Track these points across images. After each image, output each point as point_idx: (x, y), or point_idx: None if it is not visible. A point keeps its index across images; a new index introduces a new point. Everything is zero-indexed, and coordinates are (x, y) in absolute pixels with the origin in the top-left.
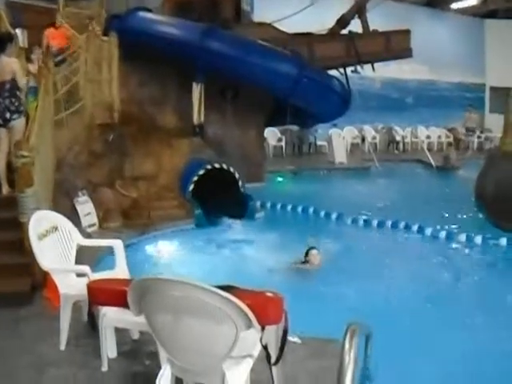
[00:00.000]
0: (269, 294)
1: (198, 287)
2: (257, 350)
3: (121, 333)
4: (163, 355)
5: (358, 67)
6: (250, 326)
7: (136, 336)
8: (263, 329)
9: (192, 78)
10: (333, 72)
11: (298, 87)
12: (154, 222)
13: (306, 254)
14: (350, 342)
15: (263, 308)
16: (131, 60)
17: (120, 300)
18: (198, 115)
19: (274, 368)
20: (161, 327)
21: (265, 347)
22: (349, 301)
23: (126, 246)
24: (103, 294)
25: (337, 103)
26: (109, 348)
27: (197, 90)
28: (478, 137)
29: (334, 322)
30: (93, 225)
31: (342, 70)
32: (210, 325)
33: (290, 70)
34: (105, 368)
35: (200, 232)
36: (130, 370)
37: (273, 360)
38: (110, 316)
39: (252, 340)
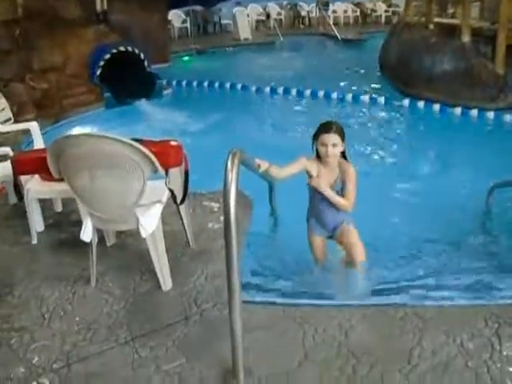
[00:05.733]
0: (170, 142)
1: (106, 138)
2: (165, 195)
3: (46, 208)
4: (83, 211)
5: None
6: (155, 170)
7: (59, 209)
8: (167, 173)
9: None
10: None
11: None
12: (67, 110)
13: None
14: (231, 162)
15: (165, 153)
16: None
17: (41, 166)
18: (100, 2)
19: (184, 217)
20: (79, 183)
21: (170, 189)
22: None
23: (42, 135)
24: (27, 163)
25: None
26: (36, 222)
27: None
28: (386, 11)
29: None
30: (8, 119)
31: None
32: (121, 174)
33: None
34: (34, 241)
35: (111, 113)
36: (57, 238)
37: (178, 200)
38: (34, 189)
39: (160, 187)
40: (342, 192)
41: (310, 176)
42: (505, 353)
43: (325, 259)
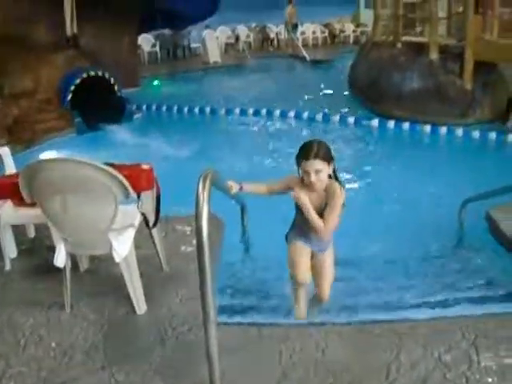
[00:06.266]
0: (141, 166)
1: (79, 163)
2: (137, 219)
3: (18, 234)
4: (56, 236)
5: None
6: (127, 194)
7: (32, 234)
8: (139, 197)
9: None
10: None
11: None
12: (38, 135)
13: None
14: (203, 184)
15: (137, 177)
16: None
17: (14, 191)
18: (70, 27)
19: (156, 240)
20: (51, 208)
21: (142, 213)
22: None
23: (13, 161)
24: None
25: (206, 4)
26: (9, 248)
27: (68, 2)
28: (354, 31)
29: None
30: None
31: None
32: (93, 199)
33: None
34: (8, 267)
35: (82, 139)
36: (31, 264)
37: (151, 223)
38: (7, 214)
39: (131, 212)
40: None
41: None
42: (483, 364)
43: (306, 278)
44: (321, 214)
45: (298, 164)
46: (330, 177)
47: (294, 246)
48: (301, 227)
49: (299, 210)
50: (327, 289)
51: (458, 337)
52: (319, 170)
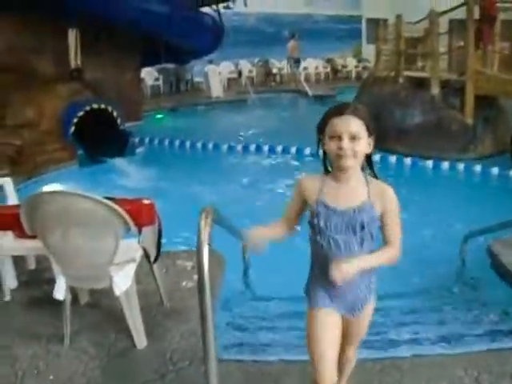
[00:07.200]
0: (143, 200)
1: (80, 196)
2: (138, 254)
3: (18, 265)
4: (56, 269)
5: (230, 3)
6: (128, 229)
7: (33, 266)
8: (140, 231)
9: (67, 24)
10: (205, 9)
11: (171, 25)
12: (41, 167)
13: None
14: (204, 220)
15: (138, 212)
16: (3, 10)
17: (14, 222)
18: (74, 60)
19: (157, 275)
20: (51, 240)
21: (143, 248)
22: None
23: (15, 192)
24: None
25: (209, 39)
26: (9, 279)
27: (72, 35)
28: (356, 66)
29: None
30: None
31: (214, 6)
32: (94, 233)
33: (162, 9)
34: (7, 298)
35: (84, 172)
36: (31, 296)
37: (152, 258)
38: (7, 245)
39: (132, 246)
40: (368, 230)
41: (313, 215)
42: None
43: (332, 379)
44: (353, 228)
45: (321, 131)
46: (362, 168)
47: (315, 312)
48: (322, 274)
49: (316, 242)
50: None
51: (460, 373)
52: (356, 136)
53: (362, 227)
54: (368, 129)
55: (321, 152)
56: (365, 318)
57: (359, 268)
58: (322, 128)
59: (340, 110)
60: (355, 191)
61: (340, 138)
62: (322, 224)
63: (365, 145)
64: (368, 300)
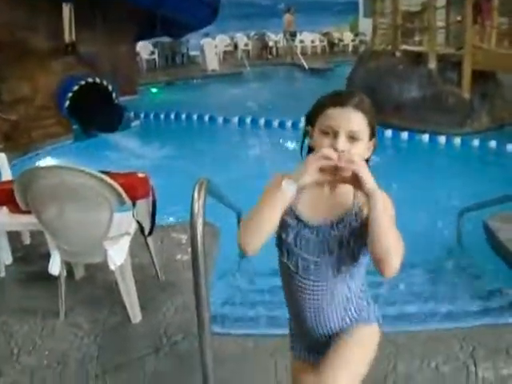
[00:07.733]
0: (137, 174)
1: (74, 170)
2: (132, 227)
3: (13, 241)
4: (51, 244)
5: None
6: (122, 202)
7: (27, 241)
8: (134, 205)
9: None
10: None
11: None
12: (36, 142)
13: None
14: (198, 192)
15: (133, 185)
16: None
17: (9, 198)
18: (69, 35)
19: (152, 249)
20: (46, 216)
21: (138, 221)
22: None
23: (10, 167)
24: None
25: (205, 12)
26: (4, 255)
27: (66, 9)
28: (353, 40)
29: None
30: None
31: None
32: (89, 207)
33: None
34: (2, 273)
35: (79, 146)
36: (26, 271)
37: (146, 232)
38: (2, 221)
39: (127, 220)
40: (357, 247)
41: (281, 226)
42: (481, 375)
43: None
44: (340, 245)
45: (312, 123)
46: None
47: (293, 364)
48: (296, 320)
49: (283, 263)
50: None
51: (455, 348)
52: (356, 136)
53: (341, 245)
54: (371, 129)
55: (305, 147)
56: (353, 340)
57: (374, 191)
58: (312, 118)
59: (340, 100)
60: (338, 199)
61: (335, 135)
62: (290, 239)
63: (365, 146)
64: (351, 321)
